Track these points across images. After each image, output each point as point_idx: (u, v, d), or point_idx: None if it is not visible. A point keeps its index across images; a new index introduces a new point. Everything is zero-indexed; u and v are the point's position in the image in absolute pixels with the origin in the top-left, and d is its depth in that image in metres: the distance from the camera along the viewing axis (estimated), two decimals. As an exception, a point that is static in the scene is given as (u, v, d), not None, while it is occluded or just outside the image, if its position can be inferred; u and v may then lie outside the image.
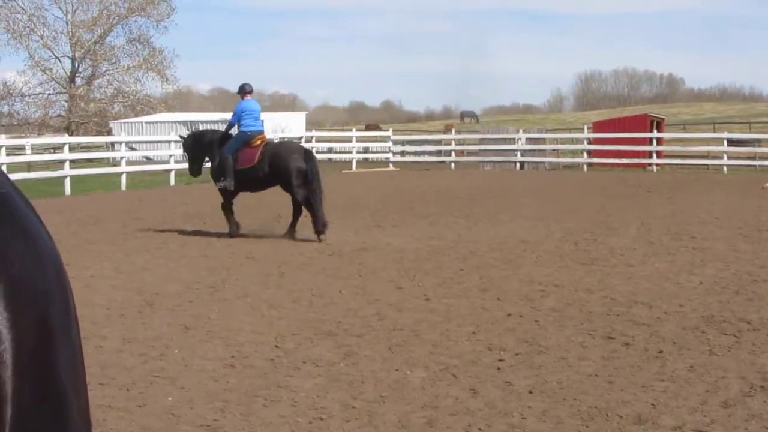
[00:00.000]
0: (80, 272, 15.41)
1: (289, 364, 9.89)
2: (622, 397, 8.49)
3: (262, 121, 22.65)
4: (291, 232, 20.78)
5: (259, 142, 21.21)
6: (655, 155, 46.99)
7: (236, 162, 21.01)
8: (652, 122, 51.05)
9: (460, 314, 12.24)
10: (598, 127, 52.42)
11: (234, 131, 21.67)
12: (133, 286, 14.48)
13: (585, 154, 49.26)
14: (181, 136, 24.69)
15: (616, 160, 47.09)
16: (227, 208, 21.62)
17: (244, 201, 22.71)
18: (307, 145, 50.69)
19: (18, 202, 1.61)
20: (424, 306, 12.82)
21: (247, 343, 10.79)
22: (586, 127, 53.66)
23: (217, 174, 21.51)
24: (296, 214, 21.09)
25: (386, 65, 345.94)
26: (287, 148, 21.95)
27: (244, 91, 21.85)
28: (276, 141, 22.85)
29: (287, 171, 20.67)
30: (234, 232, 21.04)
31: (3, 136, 39.64)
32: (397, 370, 9.59)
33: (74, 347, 1.65)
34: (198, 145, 22.06)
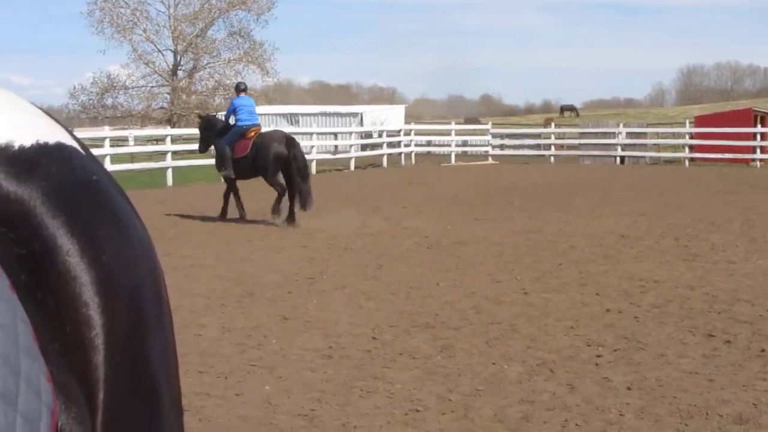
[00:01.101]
0: (181, 261, 15.61)
1: (386, 355, 9.90)
2: (723, 395, 8.37)
3: (258, 114, 24.29)
4: (276, 211, 22.17)
5: (252, 133, 22.92)
6: (758, 150, 46.20)
7: (233, 152, 22.91)
8: (756, 117, 50.18)
9: (558, 309, 12.16)
10: (701, 121, 51.74)
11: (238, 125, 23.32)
12: (233, 276, 14.62)
13: (686, 149, 48.59)
14: (199, 116, 28.32)
15: (719, 155, 46.38)
16: (228, 194, 23.54)
17: (350, 195, 22.71)
18: (405, 139, 50.91)
19: (111, 191, 1.63)
20: (522, 300, 12.77)
21: (344, 334, 10.83)
22: (687, 121, 53.01)
23: (218, 163, 23.76)
24: (279, 197, 22.28)
25: (485, 59, 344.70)
26: (270, 136, 22.99)
27: (238, 89, 24.23)
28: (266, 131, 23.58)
29: (267, 157, 22.11)
30: (223, 216, 23.12)
31: (107, 127, 40.30)
32: (493, 363, 9.56)
33: (167, 336, 1.66)
34: (209, 129, 24.40)
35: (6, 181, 1.46)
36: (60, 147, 1.57)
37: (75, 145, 1.62)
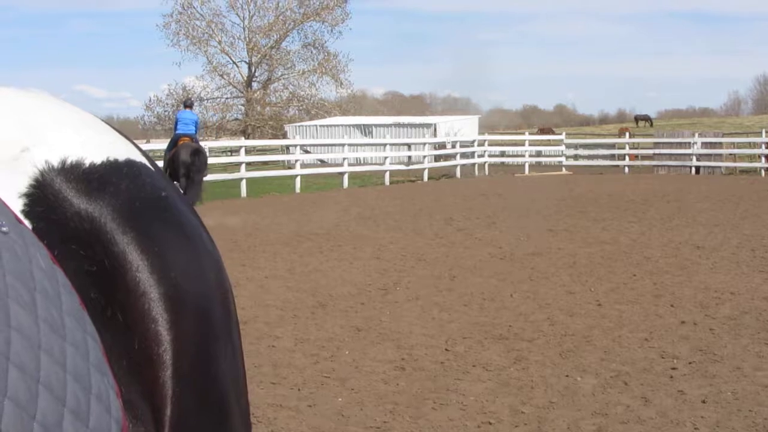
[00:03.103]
0: (255, 273, 15.71)
1: (459, 367, 9.89)
2: (800, 409, 8.26)
3: (196, 125, 28.24)
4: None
5: (181, 141, 26.92)
6: (837, 160, 45.57)
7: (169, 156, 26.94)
8: (835, 126, 49.50)
9: (632, 320, 12.07)
10: (778, 131, 51.11)
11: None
12: (307, 287, 14.68)
13: (763, 159, 48.04)
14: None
15: (796, 165, 45.80)
16: None
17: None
18: (479, 149, 50.85)
19: (179, 206, 1.65)
20: (596, 311, 12.69)
21: (417, 345, 10.83)
22: (764, 131, 52.33)
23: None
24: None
25: (559, 68, 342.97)
26: (182, 145, 26.81)
27: (184, 104, 29.53)
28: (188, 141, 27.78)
29: (176, 162, 26.11)
30: None
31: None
32: (567, 375, 9.51)
33: (235, 351, 1.68)
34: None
35: (77, 198, 1.48)
36: (130, 164, 1.59)
37: (144, 161, 1.65)
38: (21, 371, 1.03)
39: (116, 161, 1.57)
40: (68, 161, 1.51)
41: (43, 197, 1.46)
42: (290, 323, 12.07)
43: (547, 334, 11.39)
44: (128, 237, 1.49)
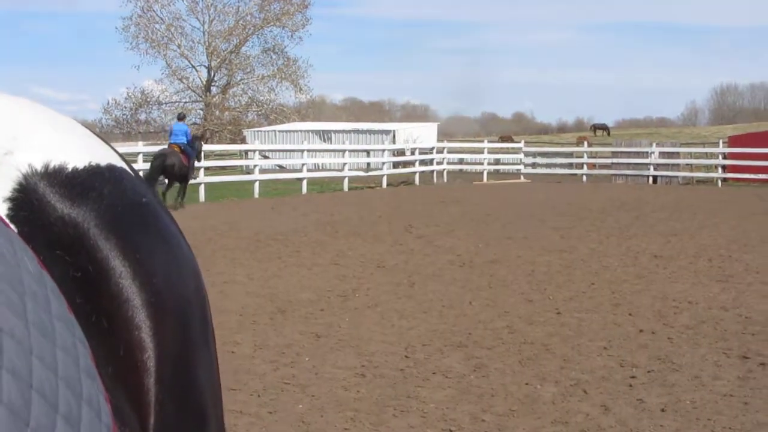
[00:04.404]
0: (214, 278, 15.65)
1: (419, 374, 9.89)
2: (758, 419, 8.31)
3: (187, 135, 33.51)
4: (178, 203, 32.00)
5: (170, 149, 32.63)
6: (793, 171, 46.02)
7: None
8: (790, 138, 50.01)
9: (591, 329, 12.12)
10: (735, 141, 51.56)
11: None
12: (266, 292, 14.65)
13: (720, 169, 48.44)
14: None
15: (752, 176, 46.21)
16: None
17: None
18: (438, 156, 51.02)
19: (160, 212, 1.64)
20: (555, 320, 12.74)
21: (377, 352, 10.83)
22: (721, 141, 52.80)
23: None
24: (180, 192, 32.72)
25: (518, 76, 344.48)
26: (161, 152, 32.74)
27: (177, 117, 36.28)
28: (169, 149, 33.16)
29: (162, 166, 31.63)
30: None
31: (140, 143, 40.43)
32: (527, 383, 9.53)
33: (212, 357, 1.67)
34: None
35: (61, 203, 1.47)
36: (111, 168, 1.58)
37: (124, 166, 1.63)
38: (14, 377, 1.02)
39: (98, 166, 1.55)
40: (51, 165, 1.49)
41: (27, 202, 1.44)
42: (249, 329, 12.03)
43: (506, 341, 11.42)
44: (111, 243, 1.48)
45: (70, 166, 1.51)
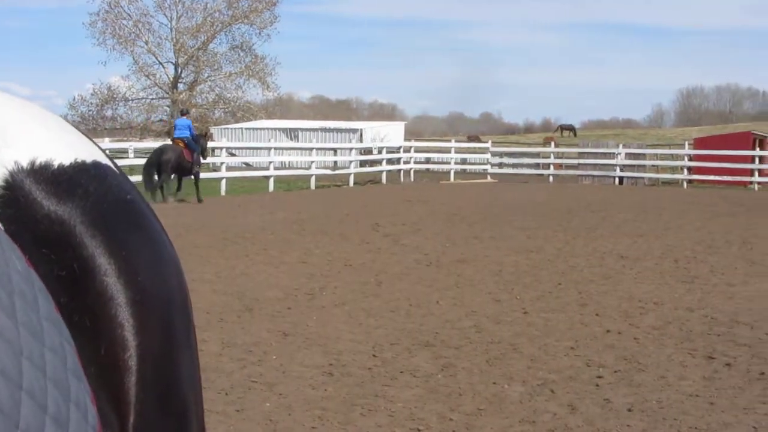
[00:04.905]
0: (182, 276, 15.56)
1: (387, 373, 9.90)
2: (724, 418, 8.36)
3: (190, 129, 34.85)
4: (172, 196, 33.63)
5: (175, 143, 34.26)
6: (757, 173, 46.36)
7: None
8: (754, 140, 50.41)
9: (558, 329, 12.16)
10: (700, 143, 51.91)
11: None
12: (233, 290, 14.60)
13: (685, 171, 48.72)
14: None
15: (717, 178, 46.51)
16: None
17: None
18: (405, 155, 51.05)
19: (144, 209, 1.64)
20: (523, 319, 12.77)
21: (344, 351, 10.82)
22: (687, 143, 53.08)
23: None
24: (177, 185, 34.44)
25: (485, 76, 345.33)
26: (160, 147, 34.40)
27: (181, 112, 37.14)
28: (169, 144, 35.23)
29: (158, 160, 32.91)
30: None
31: (107, 139, 40.08)
32: (494, 383, 9.55)
33: (193, 356, 1.66)
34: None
35: (47, 201, 1.45)
36: (96, 165, 1.57)
37: (109, 162, 1.62)
38: (4, 378, 1.01)
39: (84, 163, 1.54)
40: (37, 162, 1.48)
41: (14, 199, 1.42)
42: (217, 327, 12.00)
43: (474, 341, 11.43)
44: (97, 240, 1.46)
45: (56, 163, 1.50)
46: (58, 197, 1.46)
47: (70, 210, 1.46)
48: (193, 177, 34.24)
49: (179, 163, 33.46)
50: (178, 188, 34.46)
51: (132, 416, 1.46)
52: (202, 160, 35.54)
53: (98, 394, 1.37)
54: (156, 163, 32.86)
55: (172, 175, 33.74)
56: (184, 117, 35.61)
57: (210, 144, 50.55)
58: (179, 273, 1.66)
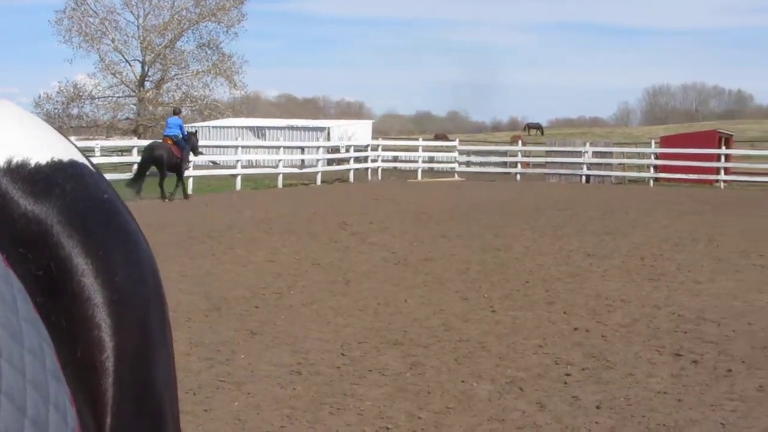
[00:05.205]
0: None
1: (355, 372, 9.89)
2: (691, 415, 8.40)
3: (181, 129, 35.62)
4: (171, 194, 34.29)
5: (165, 141, 34.90)
6: (722, 172, 46.62)
7: None
8: (720, 138, 50.64)
9: (526, 327, 12.18)
10: (666, 142, 52.08)
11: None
12: (201, 290, 14.55)
13: (652, 169, 48.92)
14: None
15: (684, 176, 46.74)
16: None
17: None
18: (372, 154, 51.07)
19: (121, 209, 1.62)
20: (491, 318, 12.79)
21: (313, 350, 10.81)
22: (653, 141, 53.28)
23: None
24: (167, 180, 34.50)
25: (453, 75, 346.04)
26: (150, 144, 35.41)
27: (173, 111, 37.70)
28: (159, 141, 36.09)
29: (149, 157, 33.90)
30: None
31: (72, 137, 39.88)
32: (463, 381, 9.56)
33: (169, 356, 1.65)
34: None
35: (24, 200, 1.43)
36: (73, 164, 1.55)
37: (85, 161, 1.60)
38: None
39: (60, 161, 1.52)
40: (14, 161, 1.46)
41: None
42: (184, 327, 11.94)
43: (442, 339, 11.44)
44: (74, 240, 1.44)
45: (32, 162, 1.48)
46: (35, 196, 1.44)
47: (47, 209, 1.44)
48: (176, 174, 34.98)
49: (169, 159, 34.26)
50: (182, 188, 35.32)
51: (109, 417, 1.44)
52: (193, 157, 36.63)
53: (76, 396, 1.35)
54: (149, 160, 33.89)
55: (167, 173, 34.60)
56: (176, 116, 36.50)
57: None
58: (155, 273, 1.64)
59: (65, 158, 1.54)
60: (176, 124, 35.70)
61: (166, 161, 34.03)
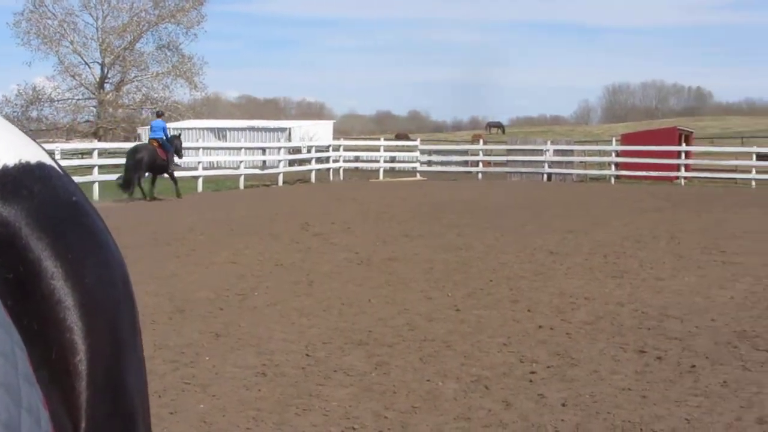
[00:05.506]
0: (110, 278, 15.42)
1: (321, 373, 9.87)
2: (656, 411, 8.44)
3: (164, 131, 36.42)
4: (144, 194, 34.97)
5: (150, 143, 35.88)
6: (683, 168, 46.92)
7: None
8: (680, 135, 51.02)
9: (491, 325, 12.20)
10: (627, 139, 52.43)
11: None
12: (164, 292, 14.49)
13: (613, 167, 49.15)
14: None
15: (644, 173, 47.02)
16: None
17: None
18: (334, 154, 51.05)
19: (90, 211, 1.60)
20: (455, 317, 12.80)
21: (278, 351, 10.78)
22: (614, 139, 53.57)
23: None
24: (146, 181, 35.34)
25: (414, 74, 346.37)
26: (134, 147, 36.18)
27: (156, 114, 39.89)
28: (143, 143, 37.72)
29: (132, 159, 34.32)
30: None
31: (32, 140, 39.91)
32: (428, 380, 9.56)
33: (140, 359, 1.63)
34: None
35: None
36: (41, 166, 1.53)
37: (53, 164, 1.58)
38: None
39: (28, 164, 1.50)
40: None
41: None
42: (149, 329, 11.85)
43: (407, 339, 11.44)
44: (43, 243, 1.43)
45: (0, 164, 1.46)
46: (3, 199, 1.42)
47: (15, 212, 1.42)
48: (168, 175, 36.08)
49: (154, 161, 35.01)
50: (152, 183, 35.83)
51: (84, 421, 1.43)
52: (178, 160, 36.92)
53: (51, 399, 1.34)
54: (132, 162, 34.42)
55: (146, 174, 35.39)
56: (159, 119, 37.80)
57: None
58: (125, 276, 1.63)
59: (33, 160, 1.52)
60: (160, 126, 36.54)
61: (147, 163, 34.67)
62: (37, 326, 1.39)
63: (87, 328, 1.44)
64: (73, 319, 1.42)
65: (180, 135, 39.72)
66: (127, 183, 34.20)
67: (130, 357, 1.57)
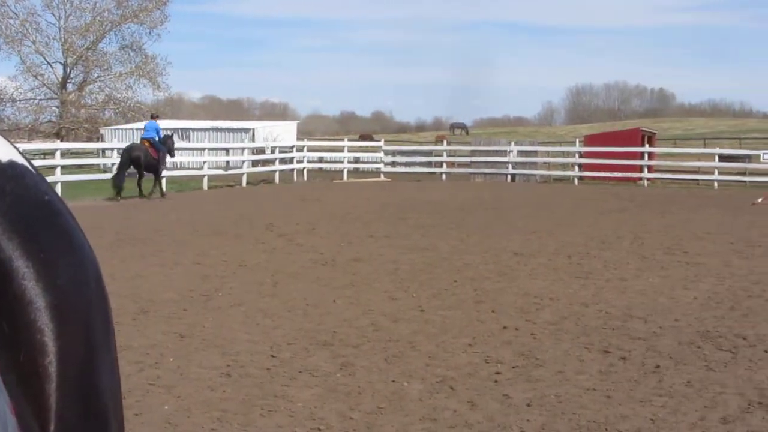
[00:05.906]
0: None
1: (286, 373, 9.85)
2: (621, 411, 8.47)
3: (157, 132, 37.89)
4: (149, 193, 36.12)
5: (142, 143, 37.09)
6: (646, 170, 47.15)
7: None
8: (643, 137, 51.28)
9: (455, 326, 12.21)
10: (591, 140, 52.65)
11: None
12: (128, 293, 14.40)
13: (576, 168, 49.32)
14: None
15: (608, 174, 47.23)
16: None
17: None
18: (298, 155, 50.99)
19: (63, 211, 1.58)
20: (420, 317, 12.80)
21: (242, 352, 10.75)
22: (577, 140, 53.76)
23: None
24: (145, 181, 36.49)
25: (377, 75, 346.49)
26: (128, 146, 37.23)
27: (151, 116, 41.79)
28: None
29: (129, 158, 35.51)
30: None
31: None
32: (394, 381, 9.56)
33: (113, 360, 1.62)
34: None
35: None
36: (13, 165, 1.51)
37: (26, 163, 1.56)
38: None
39: (0, 163, 1.48)
40: None
41: None
42: (112, 330, 11.81)
43: (372, 339, 11.44)
44: (14, 243, 1.41)
45: None
46: None
47: None
48: (153, 174, 36.94)
49: (147, 160, 36.24)
50: (160, 188, 37.09)
51: (53, 423, 1.41)
52: (170, 159, 38.28)
53: (18, 402, 1.32)
54: (128, 161, 35.60)
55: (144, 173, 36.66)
56: (154, 120, 39.40)
57: (101, 145, 50.15)
58: (98, 276, 1.61)
59: (4, 159, 1.50)
60: (153, 127, 38.07)
61: (143, 162, 35.87)
62: (7, 328, 1.37)
63: (59, 330, 1.42)
64: (44, 320, 1.41)
65: (173, 135, 40.79)
66: (118, 183, 34.98)
67: (103, 357, 1.55)
